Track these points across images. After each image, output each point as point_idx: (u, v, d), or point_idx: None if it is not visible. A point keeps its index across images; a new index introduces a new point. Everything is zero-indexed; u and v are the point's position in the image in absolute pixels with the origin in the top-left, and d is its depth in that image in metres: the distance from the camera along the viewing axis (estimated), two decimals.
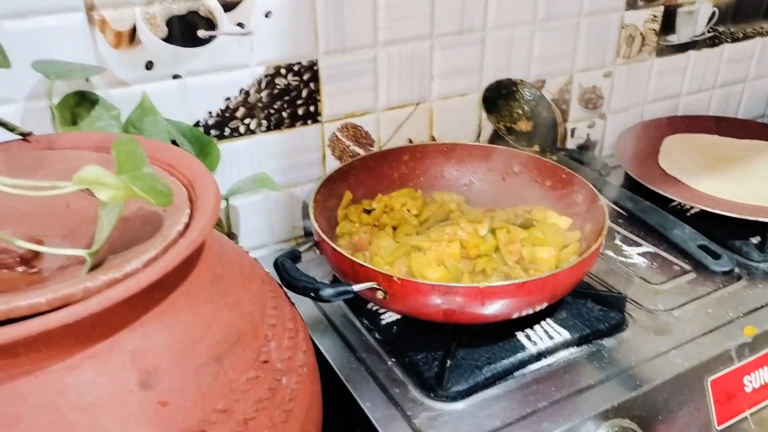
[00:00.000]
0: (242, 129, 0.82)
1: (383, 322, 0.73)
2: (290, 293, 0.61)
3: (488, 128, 1.01)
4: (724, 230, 0.88)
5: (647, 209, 0.84)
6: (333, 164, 0.90)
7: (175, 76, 0.76)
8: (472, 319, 0.65)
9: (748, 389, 0.71)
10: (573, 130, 1.10)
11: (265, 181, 0.78)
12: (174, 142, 0.75)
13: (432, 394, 0.65)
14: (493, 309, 0.64)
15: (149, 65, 0.74)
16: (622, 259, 0.86)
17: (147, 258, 0.45)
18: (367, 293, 0.64)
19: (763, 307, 0.77)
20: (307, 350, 0.59)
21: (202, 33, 0.75)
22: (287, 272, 0.63)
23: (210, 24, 0.75)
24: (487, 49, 0.94)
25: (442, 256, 0.71)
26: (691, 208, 0.92)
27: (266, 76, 0.81)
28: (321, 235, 0.68)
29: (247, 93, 0.81)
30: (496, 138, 1.01)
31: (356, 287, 0.62)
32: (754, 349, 0.72)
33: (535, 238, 0.76)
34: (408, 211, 0.79)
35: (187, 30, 0.74)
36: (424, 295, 0.63)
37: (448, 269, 0.71)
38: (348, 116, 0.89)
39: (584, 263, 0.66)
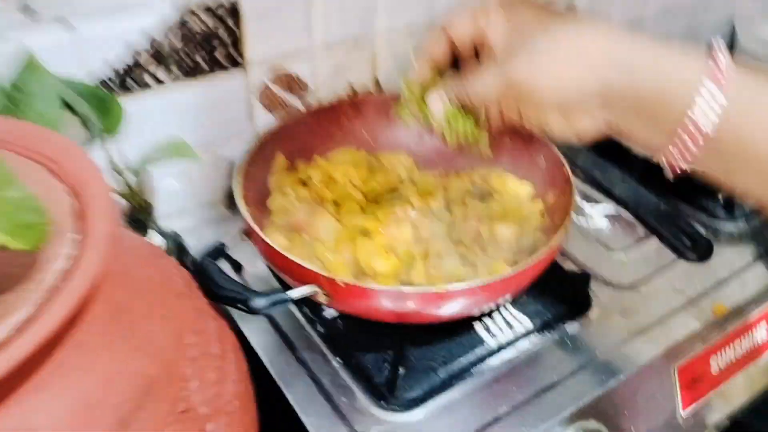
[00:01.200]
0: (149, 80, 0.69)
1: (326, 314, 0.64)
2: None
3: None
4: (689, 185, 0.82)
5: (615, 179, 0.75)
6: (262, 116, 0.78)
7: (63, 22, 0.61)
8: (428, 320, 0.57)
9: (714, 371, 0.68)
10: None
11: (181, 149, 0.65)
12: (68, 106, 0.62)
13: (383, 403, 0.58)
14: (451, 309, 0.56)
15: (26, 10, 0.59)
16: (583, 220, 0.80)
17: (17, 321, 0.35)
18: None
19: (731, 277, 0.72)
20: (237, 377, 0.50)
21: None
22: (210, 279, 0.53)
23: None
24: None
25: (392, 242, 0.62)
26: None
27: (176, 17, 0.67)
28: (252, 225, 0.58)
29: (153, 38, 0.66)
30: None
31: (294, 293, 0.53)
32: (722, 327, 0.68)
33: (493, 212, 0.67)
34: (351, 183, 0.68)
35: None
36: (372, 299, 0.54)
37: (399, 257, 0.62)
38: (277, 59, 0.76)
39: (549, 255, 0.58)
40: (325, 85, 0.80)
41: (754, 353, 0.71)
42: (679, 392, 0.65)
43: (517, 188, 0.71)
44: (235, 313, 0.58)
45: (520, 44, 0.49)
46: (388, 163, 0.74)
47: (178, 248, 0.75)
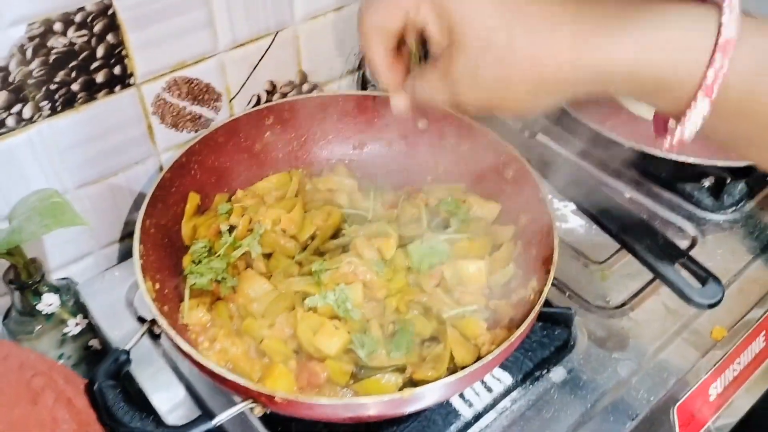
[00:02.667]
0: (11, 121, 0.53)
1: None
2: None
3: None
4: (671, 171, 0.72)
5: (599, 202, 0.62)
6: (167, 135, 0.64)
7: None
8: (392, 416, 0.47)
9: (712, 398, 0.60)
10: None
11: (60, 213, 0.51)
12: None
13: None
14: (420, 405, 0.46)
15: None
16: (557, 225, 0.69)
17: None
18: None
19: (727, 284, 0.64)
20: None
21: None
22: (109, 413, 0.41)
23: None
24: None
25: (338, 308, 0.51)
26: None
27: (31, 38, 0.51)
28: (158, 318, 0.46)
29: (5, 69, 0.51)
30: None
31: (221, 418, 0.42)
32: (722, 349, 0.60)
33: (457, 247, 0.56)
34: (283, 232, 0.55)
35: None
36: (320, 412, 0.43)
37: (350, 324, 0.51)
38: (176, 68, 0.61)
39: (531, 323, 0.48)
40: (237, 86, 0.66)
41: (752, 367, 0.64)
42: (677, 430, 0.58)
43: (481, 210, 0.60)
44: None
45: (463, 60, 0.36)
46: (325, 187, 0.61)
47: (76, 303, 0.62)
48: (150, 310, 0.47)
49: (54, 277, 0.64)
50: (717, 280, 0.50)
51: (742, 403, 0.65)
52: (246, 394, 0.43)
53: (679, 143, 0.35)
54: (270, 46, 0.66)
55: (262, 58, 0.66)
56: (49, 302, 0.61)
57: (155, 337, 0.59)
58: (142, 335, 0.47)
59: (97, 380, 0.42)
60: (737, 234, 0.69)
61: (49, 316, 0.61)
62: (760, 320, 0.63)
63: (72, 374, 0.45)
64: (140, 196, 0.63)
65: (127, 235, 0.67)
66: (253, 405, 0.43)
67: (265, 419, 0.52)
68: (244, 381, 0.42)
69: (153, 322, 0.47)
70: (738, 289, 0.64)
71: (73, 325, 0.63)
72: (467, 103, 0.38)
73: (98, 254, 0.66)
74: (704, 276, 0.51)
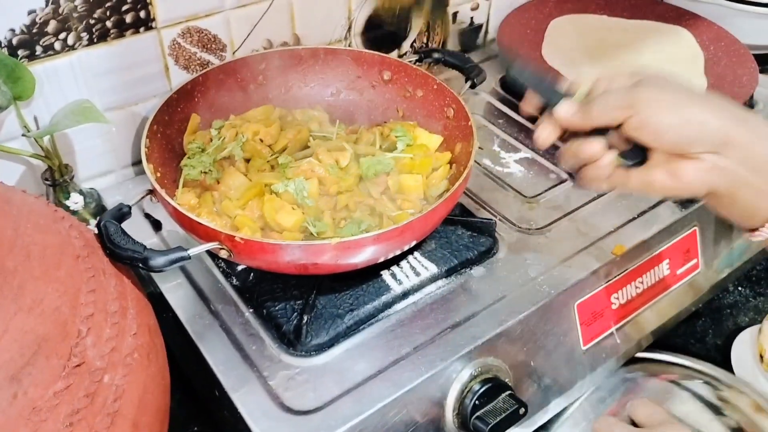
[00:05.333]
0: (58, 45, 0.69)
1: (240, 267, 0.67)
2: None
3: (360, 19, 0.90)
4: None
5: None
6: (179, 75, 0.79)
7: None
8: (331, 270, 0.60)
9: (614, 306, 0.71)
10: (455, 14, 1.00)
11: (89, 113, 0.66)
12: None
13: (291, 350, 0.61)
14: (353, 260, 0.59)
15: None
16: (499, 168, 0.82)
17: None
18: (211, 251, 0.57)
19: (634, 219, 0.75)
20: (138, 330, 0.52)
21: None
22: (110, 239, 0.54)
23: None
24: None
25: (298, 197, 0.64)
26: None
27: None
28: (154, 185, 0.60)
29: (56, 2, 0.67)
30: (371, 28, 0.91)
31: (193, 251, 0.55)
32: (622, 265, 0.72)
33: (402, 164, 0.70)
34: (261, 141, 0.70)
35: None
36: (271, 254, 0.56)
37: (306, 210, 0.64)
38: (190, 19, 0.76)
39: (451, 200, 0.61)
40: (239, 40, 0.81)
41: (658, 288, 0.75)
42: (579, 328, 0.69)
43: (426, 140, 0.73)
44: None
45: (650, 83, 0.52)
46: (302, 117, 0.75)
47: (98, 207, 0.77)
48: (150, 181, 0.61)
49: (82, 186, 0.79)
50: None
51: (650, 323, 0.76)
52: (215, 237, 0.56)
53: None
54: (268, 9, 0.81)
55: (261, 18, 0.81)
56: (75, 201, 0.75)
57: (157, 228, 0.73)
58: (142, 197, 0.61)
59: (103, 219, 0.56)
60: None
61: (74, 213, 0.76)
62: (664, 246, 0.74)
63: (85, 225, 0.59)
64: None
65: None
66: (220, 247, 0.56)
67: (236, 289, 0.66)
68: (214, 225, 0.56)
69: (151, 191, 0.61)
70: (644, 221, 0.75)
71: (93, 225, 0.77)
72: (641, 119, 0.51)
73: (118, 173, 0.81)
74: None
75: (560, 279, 0.68)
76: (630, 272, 0.72)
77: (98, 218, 0.57)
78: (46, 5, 0.66)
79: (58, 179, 0.73)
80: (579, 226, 0.74)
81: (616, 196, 0.78)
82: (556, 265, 0.69)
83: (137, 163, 0.81)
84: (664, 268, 0.75)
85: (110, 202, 0.78)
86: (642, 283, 0.73)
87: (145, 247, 0.55)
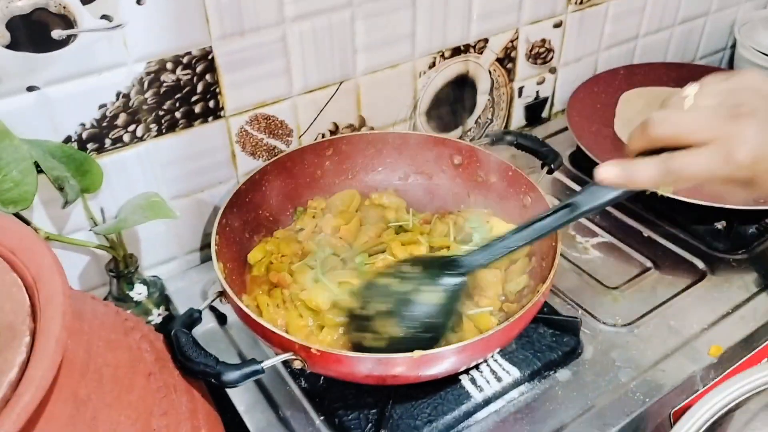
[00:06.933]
0: (126, 138, 0.68)
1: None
2: None
3: (426, 100, 0.88)
4: (685, 214, 0.80)
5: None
6: (245, 161, 0.77)
7: (31, 89, 0.61)
8: (410, 381, 0.56)
9: None
10: (521, 89, 0.97)
11: (158, 208, 0.64)
12: (39, 168, 0.61)
13: None
14: (433, 371, 0.55)
15: None
16: (576, 254, 0.78)
17: None
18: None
19: (729, 314, 0.70)
20: None
21: (57, 33, 0.59)
22: (182, 352, 0.52)
23: (66, 21, 0.59)
24: (419, 11, 0.80)
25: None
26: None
27: (148, 73, 0.66)
28: (225, 287, 0.57)
29: (127, 96, 0.66)
30: (436, 107, 0.89)
31: (266, 363, 0.52)
32: (719, 368, 0.66)
33: None
34: (340, 239, 0.67)
35: (36, 31, 0.59)
36: (348, 366, 0.53)
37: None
38: (258, 106, 0.75)
39: (536, 306, 0.57)
40: (306, 125, 0.79)
41: None
42: None
43: (503, 231, 0.69)
44: None
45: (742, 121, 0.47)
46: (379, 202, 0.73)
47: (161, 297, 0.74)
48: (220, 283, 0.58)
49: (145, 274, 0.77)
50: None
51: None
52: (290, 348, 0.53)
53: None
54: (335, 93, 0.79)
55: (327, 102, 0.79)
56: (139, 291, 0.73)
57: (222, 322, 0.71)
58: (212, 300, 0.58)
59: (174, 328, 0.54)
60: (745, 270, 0.75)
61: (138, 304, 0.74)
62: (761, 346, 0.68)
63: (153, 330, 0.57)
64: None
65: (206, 245, 0.80)
66: (294, 357, 0.53)
67: (306, 393, 0.62)
68: (288, 335, 0.53)
69: (221, 293, 0.59)
70: (740, 317, 0.70)
71: (156, 315, 0.75)
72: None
73: (182, 259, 0.79)
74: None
75: (654, 385, 0.63)
76: (729, 374, 0.66)
77: (169, 327, 0.54)
78: (117, 99, 0.65)
79: (122, 270, 0.71)
80: (669, 322, 0.69)
81: (708, 285, 0.73)
82: (648, 369, 0.64)
83: (201, 248, 0.80)
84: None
85: (173, 289, 0.76)
86: None
87: (217, 360, 0.52)
